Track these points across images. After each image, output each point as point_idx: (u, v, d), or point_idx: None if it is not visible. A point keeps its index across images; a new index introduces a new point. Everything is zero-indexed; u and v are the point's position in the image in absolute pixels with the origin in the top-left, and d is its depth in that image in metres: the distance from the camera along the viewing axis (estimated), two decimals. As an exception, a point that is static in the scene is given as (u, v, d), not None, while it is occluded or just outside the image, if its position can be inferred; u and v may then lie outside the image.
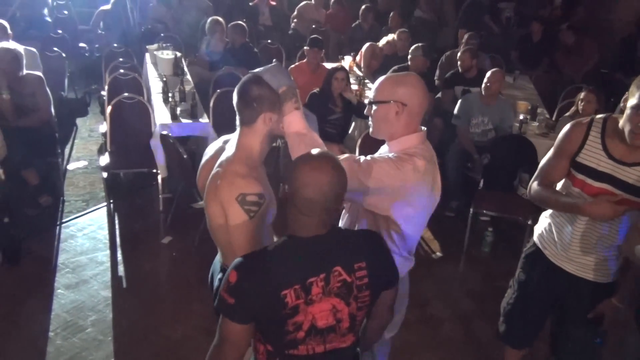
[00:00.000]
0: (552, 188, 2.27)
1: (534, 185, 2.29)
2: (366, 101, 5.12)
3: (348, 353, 1.70)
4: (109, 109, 4.58)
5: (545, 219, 2.40)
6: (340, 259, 1.56)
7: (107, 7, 7.52)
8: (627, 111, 1.99)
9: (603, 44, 7.07)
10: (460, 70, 5.42)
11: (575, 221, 2.21)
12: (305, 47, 5.44)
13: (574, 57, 6.85)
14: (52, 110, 4.54)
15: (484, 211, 4.28)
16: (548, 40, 7.18)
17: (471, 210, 4.21)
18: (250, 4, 8.26)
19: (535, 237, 2.44)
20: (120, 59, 5.73)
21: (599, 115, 2.19)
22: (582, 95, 4.49)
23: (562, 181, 2.28)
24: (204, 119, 4.67)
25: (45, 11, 7.55)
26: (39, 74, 4.48)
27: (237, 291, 1.50)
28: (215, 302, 1.56)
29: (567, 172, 2.22)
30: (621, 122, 2.04)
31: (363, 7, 7.74)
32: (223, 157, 1.90)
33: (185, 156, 3.96)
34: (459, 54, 5.52)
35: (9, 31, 4.94)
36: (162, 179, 4.52)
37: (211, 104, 4.90)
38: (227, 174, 1.82)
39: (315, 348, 1.61)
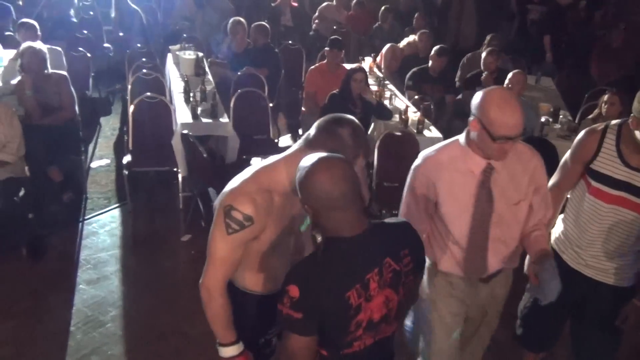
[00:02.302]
0: (563, 192, 2.32)
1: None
2: (386, 102, 5.18)
3: (391, 339, 1.74)
4: (131, 108, 4.65)
5: (562, 223, 2.38)
6: (388, 250, 1.59)
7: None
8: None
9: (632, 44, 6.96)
10: (483, 71, 5.39)
11: (593, 230, 2.19)
12: (325, 48, 5.45)
13: (612, 61, 6.74)
14: (77, 108, 4.63)
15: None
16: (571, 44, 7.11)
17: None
18: (272, 4, 8.30)
19: (552, 241, 2.42)
20: (143, 59, 5.81)
21: (613, 122, 2.16)
22: (605, 97, 4.41)
23: (579, 186, 2.25)
24: (224, 119, 4.71)
25: (72, 12, 7.69)
26: (64, 73, 4.57)
27: (303, 304, 1.48)
28: (280, 321, 1.54)
29: (583, 178, 2.19)
30: (637, 132, 2.01)
31: (382, 8, 7.73)
32: (261, 163, 1.83)
33: (205, 155, 4.00)
34: (483, 56, 5.49)
35: (39, 32, 5.05)
36: (183, 178, 4.57)
37: (232, 104, 4.94)
38: (237, 180, 1.76)
39: (367, 341, 1.62)
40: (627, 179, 2.07)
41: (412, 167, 2.15)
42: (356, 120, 1.77)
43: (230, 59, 5.94)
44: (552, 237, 2.42)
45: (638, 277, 2.24)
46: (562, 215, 2.39)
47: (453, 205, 2.07)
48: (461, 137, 2.07)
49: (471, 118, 1.94)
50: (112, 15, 7.53)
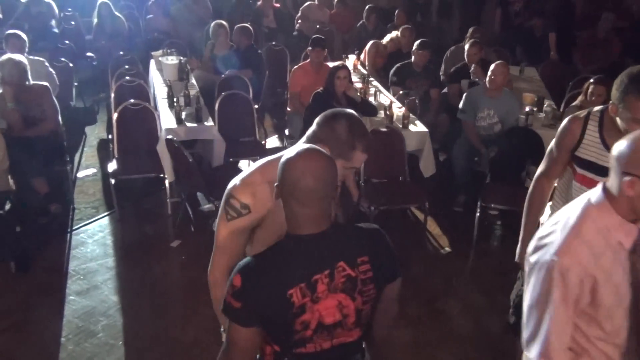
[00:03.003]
0: (539, 199, 2.33)
1: (533, 181, 2.30)
2: (370, 98, 5.18)
3: (354, 347, 1.70)
4: (115, 115, 4.63)
5: (550, 211, 2.38)
6: (343, 254, 1.55)
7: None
8: (623, 123, 1.99)
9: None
10: (467, 63, 5.42)
11: None
12: (308, 48, 5.45)
13: (597, 51, 6.78)
14: (60, 119, 4.59)
15: (492, 205, 4.25)
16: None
17: (479, 204, 4.19)
18: (256, 4, 8.30)
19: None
20: (126, 66, 5.79)
21: (595, 108, 2.17)
22: (591, 87, 4.39)
23: (566, 174, 2.26)
24: (209, 122, 4.70)
25: (53, 22, 7.64)
26: (45, 83, 4.54)
27: (242, 295, 1.49)
28: (221, 308, 1.55)
29: (570, 165, 2.20)
30: (618, 119, 2.03)
31: (367, 7, 7.74)
32: (270, 156, 1.84)
33: (190, 160, 3.99)
34: (466, 48, 5.51)
35: (27, 43, 5.04)
36: (170, 184, 4.55)
37: (216, 107, 4.92)
38: (246, 171, 1.82)
39: (323, 344, 1.61)
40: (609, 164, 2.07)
41: (545, 268, 1.52)
42: (354, 114, 1.78)
43: (213, 62, 5.93)
44: (542, 223, 2.43)
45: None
46: (550, 203, 2.40)
47: (611, 296, 1.53)
48: (593, 196, 1.57)
49: (627, 178, 1.48)
50: (94, 22, 7.50)
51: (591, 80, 4.34)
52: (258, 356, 1.68)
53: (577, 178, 2.17)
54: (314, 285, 1.51)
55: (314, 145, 1.61)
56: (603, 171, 2.08)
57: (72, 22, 7.97)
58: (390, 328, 1.93)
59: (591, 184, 2.12)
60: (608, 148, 2.08)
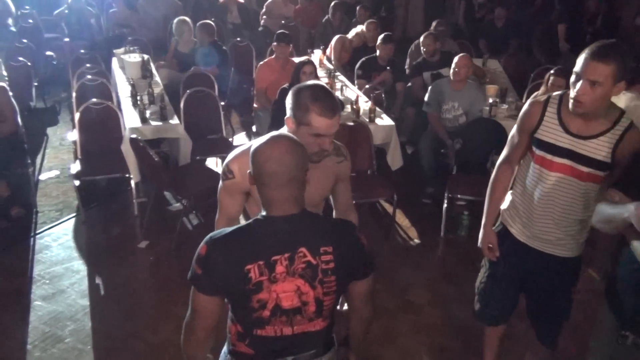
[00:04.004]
0: (501, 184, 2.40)
1: (496, 167, 2.34)
2: (337, 93, 5.19)
3: (319, 338, 1.72)
4: (77, 115, 4.53)
5: (511, 196, 2.44)
6: (306, 241, 1.59)
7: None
8: (571, 78, 2.04)
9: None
10: (425, 55, 5.49)
11: (539, 200, 2.25)
12: (273, 43, 5.43)
13: (554, 41, 6.93)
14: (19, 120, 4.47)
15: (459, 195, 4.31)
16: (514, 25, 7.28)
17: (446, 195, 4.24)
18: (220, 0, 8.22)
19: (501, 216, 2.48)
20: (88, 65, 5.66)
21: (555, 93, 2.23)
22: (551, 78, 4.47)
23: (525, 158, 2.32)
24: (175, 120, 4.64)
25: (10, 21, 7.43)
26: (2, 84, 4.40)
27: (205, 263, 1.57)
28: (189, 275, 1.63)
29: (529, 148, 2.26)
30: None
31: (332, 4, 7.73)
32: None
33: (156, 159, 3.93)
34: (421, 39, 5.59)
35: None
36: (136, 184, 4.48)
37: (182, 104, 4.86)
38: (244, 145, 1.99)
39: (283, 329, 1.64)
40: (569, 145, 2.14)
41: None
42: (317, 83, 1.90)
43: (178, 59, 5.85)
44: (502, 212, 2.48)
45: (582, 248, 2.31)
46: (511, 191, 2.45)
47: None
48: None
49: None
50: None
51: (551, 72, 4.42)
52: (227, 337, 1.74)
53: (536, 160, 2.23)
54: (273, 266, 1.56)
55: (283, 132, 1.72)
56: (561, 152, 2.15)
57: (30, 20, 7.76)
58: (366, 332, 1.93)
59: (549, 165, 2.19)
60: (566, 129, 2.15)
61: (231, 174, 1.95)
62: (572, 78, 2.04)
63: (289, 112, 1.87)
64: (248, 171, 1.64)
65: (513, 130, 2.34)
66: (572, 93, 2.04)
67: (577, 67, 2.01)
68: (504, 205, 2.47)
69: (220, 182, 2.01)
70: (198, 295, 1.60)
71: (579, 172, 2.14)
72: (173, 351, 3.13)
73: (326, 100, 1.81)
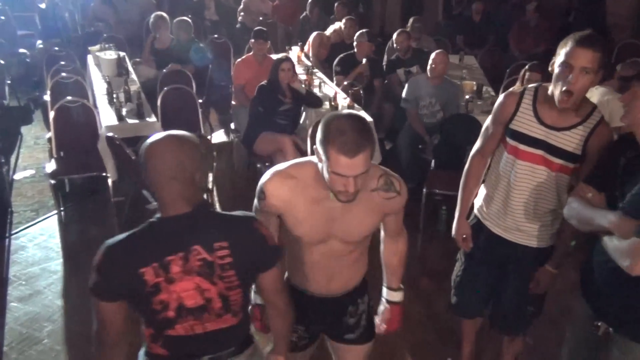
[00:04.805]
0: (474, 176, 2.44)
1: (469, 159, 2.37)
2: (315, 90, 5.20)
3: (234, 334, 1.74)
4: (52, 114, 4.47)
5: (484, 189, 2.47)
6: (199, 238, 1.59)
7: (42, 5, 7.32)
8: (556, 70, 2.06)
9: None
10: (398, 53, 5.54)
11: (512, 190, 2.29)
12: (251, 40, 5.41)
13: (530, 37, 7.00)
14: (-9, 119, 4.40)
15: (437, 190, 4.35)
16: (490, 20, 7.36)
17: (424, 190, 4.28)
18: (195, -1, 8.17)
19: (475, 210, 2.52)
20: (62, 62, 5.58)
21: (531, 85, 2.27)
22: (527, 74, 4.53)
23: (498, 149, 2.35)
24: (152, 118, 4.60)
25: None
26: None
27: (102, 270, 1.56)
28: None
29: (502, 140, 2.30)
30: (551, 87, 2.12)
31: (310, 0, 7.73)
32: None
33: (133, 157, 3.89)
34: (394, 37, 5.64)
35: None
36: (113, 182, 4.43)
37: (159, 102, 4.82)
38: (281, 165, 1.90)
39: (194, 328, 1.65)
40: (543, 137, 2.18)
41: None
42: (349, 114, 1.69)
43: (154, 57, 5.79)
44: (476, 206, 2.52)
45: (555, 238, 2.36)
46: (484, 185, 2.48)
47: None
48: None
49: None
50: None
51: (526, 67, 4.48)
52: (143, 340, 1.73)
53: (510, 150, 2.26)
54: (168, 266, 1.57)
55: (177, 131, 1.63)
56: (535, 142, 2.20)
57: (2, 17, 7.62)
58: (289, 328, 1.93)
59: (522, 156, 2.23)
60: (540, 121, 2.19)
61: (263, 194, 1.83)
62: (559, 69, 2.04)
63: (317, 140, 1.68)
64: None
65: (487, 122, 2.37)
66: (562, 86, 2.04)
67: (566, 57, 2.02)
68: (478, 199, 2.50)
69: (255, 200, 1.91)
70: (100, 304, 1.59)
71: (550, 162, 2.19)
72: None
73: (350, 136, 1.59)
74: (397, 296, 2.13)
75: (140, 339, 1.74)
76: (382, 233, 2.10)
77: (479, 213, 2.49)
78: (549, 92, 2.14)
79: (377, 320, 2.17)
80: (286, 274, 2.04)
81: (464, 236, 2.50)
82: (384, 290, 2.16)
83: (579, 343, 2.19)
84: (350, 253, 1.94)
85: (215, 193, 4.90)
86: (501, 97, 2.32)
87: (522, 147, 2.22)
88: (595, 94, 4.10)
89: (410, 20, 6.39)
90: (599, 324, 2.03)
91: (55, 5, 7.41)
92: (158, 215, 1.61)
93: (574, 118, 2.15)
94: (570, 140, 2.15)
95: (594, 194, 1.98)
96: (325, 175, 1.68)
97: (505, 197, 2.32)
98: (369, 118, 4.78)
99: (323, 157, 1.65)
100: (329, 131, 1.62)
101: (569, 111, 2.13)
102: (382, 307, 2.17)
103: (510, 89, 2.36)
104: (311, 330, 2.09)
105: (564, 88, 2.04)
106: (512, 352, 2.78)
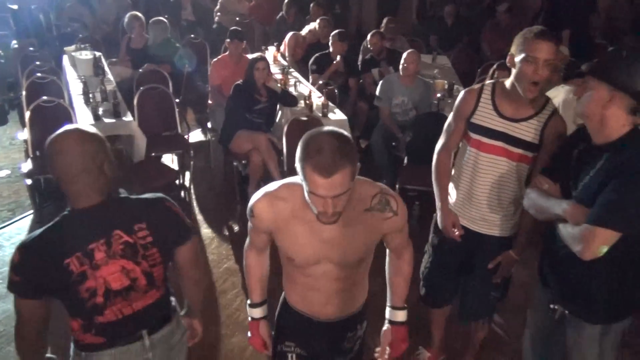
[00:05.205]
0: (444, 170, 2.52)
1: (435, 155, 2.48)
2: (290, 89, 5.28)
3: (161, 306, 1.86)
4: (27, 114, 4.47)
5: (450, 185, 2.58)
6: (118, 223, 1.69)
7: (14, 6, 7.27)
8: (518, 65, 2.18)
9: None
10: (372, 53, 5.67)
11: (476, 182, 2.40)
12: (226, 40, 5.47)
13: (501, 37, 7.17)
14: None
15: (410, 186, 4.47)
16: (463, 22, 7.52)
17: (397, 186, 4.39)
18: (172, -1, 8.17)
19: (441, 203, 2.62)
20: (37, 63, 5.57)
21: (488, 81, 2.40)
22: (496, 73, 4.67)
23: (462, 144, 2.47)
24: (128, 117, 4.63)
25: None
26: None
27: (21, 269, 1.60)
28: (6, 284, 1.66)
29: (465, 134, 2.41)
30: (509, 81, 2.25)
31: (286, 1, 7.80)
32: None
33: (110, 156, 3.93)
34: (368, 38, 5.76)
35: None
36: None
37: (135, 101, 4.85)
38: (270, 186, 1.84)
39: (123, 310, 1.74)
40: (502, 129, 2.31)
41: None
42: (329, 131, 1.61)
43: (130, 57, 5.82)
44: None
45: (516, 227, 2.48)
46: (451, 179, 2.59)
47: None
48: None
49: None
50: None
51: (495, 67, 4.62)
52: (72, 335, 1.80)
53: (472, 144, 2.38)
54: (91, 254, 1.65)
55: (78, 124, 1.78)
56: (496, 135, 2.32)
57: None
58: (201, 296, 2.10)
59: (484, 148, 2.35)
60: (499, 113, 2.32)
61: (252, 213, 1.80)
62: (523, 64, 2.16)
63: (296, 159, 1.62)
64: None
65: (449, 119, 2.48)
66: (529, 78, 2.16)
67: (527, 51, 2.13)
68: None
69: (248, 217, 1.87)
70: (21, 301, 1.64)
71: (510, 153, 2.31)
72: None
73: (327, 154, 1.52)
74: (401, 315, 2.02)
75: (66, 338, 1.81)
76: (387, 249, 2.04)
77: None
78: (507, 86, 2.26)
79: (381, 345, 2.04)
80: (283, 293, 2.03)
81: (453, 223, 2.49)
82: (388, 311, 2.05)
83: (538, 325, 2.32)
84: (346, 277, 1.86)
85: (192, 191, 4.95)
86: (462, 93, 2.44)
87: (484, 139, 2.34)
88: (561, 92, 4.25)
89: (384, 20, 6.52)
90: (556, 307, 2.16)
91: (29, 6, 7.35)
92: (69, 208, 1.66)
93: (529, 110, 2.28)
94: (528, 130, 2.28)
95: (549, 185, 2.10)
96: (306, 195, 1.64)
97: (470, 189, 2.44)
98: (343, 116, 4.90)
99: (301, 177, 1.60)
100: (306, 149, 1.56)
101: (525, 103, 2.26)
102: (385, 328, 2.04)
103: (470, 87, 2.48)
104: (311, 352, 2.02)
105: (531, 80, 2.16)
106: (479, 337, 2.90)
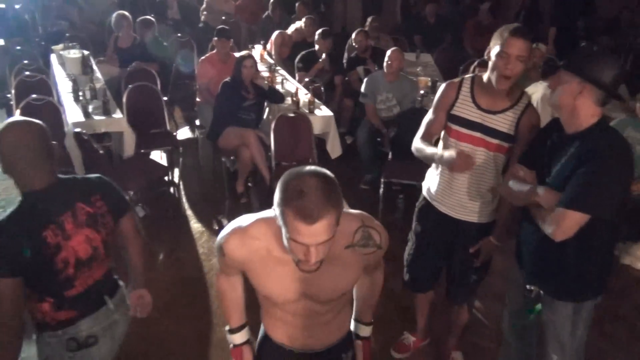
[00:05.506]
0: (427, 140, 2.58)
1: (415, 139, 2.60)
2: (278, 86, 5.39)
3: (111, 273, 2.12)
4: (17, 112, 4.51)
5: (431, 173, 2.70)
6: (78, 197, 1.91)
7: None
8: (493, 59, 2.32)
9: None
10: (357, 51, 5.79)
11: (456, 173, 2.52)
12: (214, 38, 5.56)
13: (483, 35, 7.33)
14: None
15: (394, 180, 4.59)
16: (445, 21, 7.68)
17: (382, 180, 4.52)
18: (158, -1, 8.22)
19: (424, 191, 2.74)
20: (25, 62, 5.60)
21: (467, 75, 2.52)
22: (476, 70, 4.80)
23: (443, 134, 2.59)
24: (118, 115, 4.70)
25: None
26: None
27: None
28: None
29: (445, 126, 2.53)
30: (486, 74, 2.38)
31: (272, 0, 7.90)
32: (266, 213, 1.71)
33: (101, 152, 4.00)
34: (353, 36, 5.89)
35: None
36: (80, 178, 4.52)
37: (124, 99, 4.92)
38: (242, 221, 1.70)
39: (88, 281, 1.95)
40: (480, 120, 2.44)
41: None
42: (312, 172, 1.46)
43: (118, 55, 5.88)
44: (424, 188, 2.75)
45: (495, 214, 2.60)
46: (431, 168, 2.71)
47: None
48: None
49: None
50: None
51: (475, 63, 4.77)
52: (40, 321, 1.92)
53: (452, 134, 2.50)
54: (62, 225, 1.83)
55: (18, 117, 1.99)
56: (473, 125, 2.44)
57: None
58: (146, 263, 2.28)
59: (463, 138, 2.47)
60: (477, 105, 2.45)
61: (222, 252, 1.70)
62: (496, 58, 2.30)
63: (274, 201, 1.48)
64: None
65: (429, 112, 2.60)
66: (501, 71, 2.29)
67: (502, 46, 2.28)
68: (425, 181, 2.73)
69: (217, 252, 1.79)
70: (0, 281, 1.73)
71: (488, 143, 2.44)
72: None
73: (311, 198, 1.39)
74: (368, 330, 1.99)
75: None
76: None
77: (426, 194, 2.72)
78: (485, 79, 2.39)
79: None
80: (262, 326, 1.94)
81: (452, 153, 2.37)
82: (354, 325, 1.98)
83: (515, 304, 2.45)
84: (328, 311, 1.76)
85: (182, 187, 5.03)
86: (443, 86, 2.56)
87: (463, 130, 2.46)
88: (540, 88, 4.41)
89: (369, 19, 6.65)
90: (531, 287, 2.29)
91: (13, 5, 7.36)
92: (26, 190, 1.81)
93: (506, 102, 2.41)
94: (504, 121, 2.41)
95: (525, 172, 2.23)
96: (284, 241, 1.50)
97: (450, 178, 2.56)
98: (329, 112, 5.01)
99: (280, 221, 1.46)
100: (286, 192, 1.43)
101: (502, 96, 2.39)
102: (355, 344, 1.97)
103: (450, 80, 2.60)
104: None
105: (502, 73, 2.30)
106: (460, 321, 3.02)
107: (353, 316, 1.99)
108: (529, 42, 2.29)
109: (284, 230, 1.47)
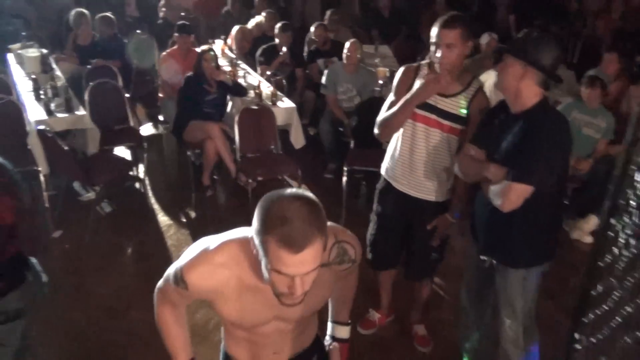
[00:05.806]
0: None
1: (377, 120, 2.73)
2: (240, 80, 5.46)
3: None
4: (-24, 112, 4.47)
5: (388, 155, 2.85)
6: None
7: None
8: (431, 48, 2.50)
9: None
10: (317, 44, 5.92)
11: (413, 151, 2.67)
12: (174, 34, 5.59)
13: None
14: None
15: (356, 167, 4.74)
16: (400, 14, 7.88)
17: (345, 168, 4.66)
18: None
19: (383, 172, 2.89)
20: (-19, 62, 5.53)
21: (424, 61, 2.68)
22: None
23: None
24: (81, 112, 4.70)
25: None
26: None
27: None
28: None
29: None
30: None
31: None
32: (230, 234, 1.56)
33: (66, 148, 4.02)
34: (312, 29, 6.02)
35: None
36: (45, 176, 4.51)
37: (86, 96, 4.92)
38: (203, 247, 1.53)
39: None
40: (434, 103, 2.60)
41: None
42: (293, 195, 1.35)
43: (77, 53, 5.85)
44: (383, 169, 2.89)
45: (451, 192, 2.77)
46: (388, 150, 2.86)
47: None
48: None
49: None
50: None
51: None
52: None
53: (418, 119, 2.64)
54: None
55: None
56: (429, 108, 2.60)
57: None
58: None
59: (419, 119, 2.63)
60: None
61: (184, 284, 1.50)
62: (432, 48, 2.49)
63: (252, 227, 1.36)
64: None
65: (389, 96, 2.74)
66: (435, 59, 2.49)
67: (434, 37, 2.47)
68: (384, 163, 2.88)
69: (170, 281, 1.56)
70: None
71: (442, 125, 2.61)
72: (91, 335, 3.29)
73: (296, 225, 1.27)
74: (346, 331, 1.91)
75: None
76: None
77: (386, 175, 2.86)
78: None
79: None
80: (222, 346, 1.80)
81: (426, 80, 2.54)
82: (331, 327, 1.91)
83: (471, 275, 2.63)
84: (296, 328, 1.68)
85: (147, 182, 5.06)
86: (401, 69, 2.73)
87: (419, 112, 2.62)
88: (492, 76, 4.61)
89: (328, 13, 6.78)
90: (485, 258, 2.47)
91: None
92: None
93: (457, 87, 2.59)
94: (456, 105, 2.58)
95: (476, 151, 2.40)
96: (264, 273, 1.37)
97: (409, 158, 2.71)
98: (291, 104, 5.12)
99: (260, 251, 1.33)
100: (267, 218, 1.30)
101: (453, 81, 2.54)
102: (332, 347, 1.87)
103: (407, 65, 2.75)
104: None
105: (437, 61, 2.49)
106: (422, 297, 3.20)
107: (330, 318, 1.91)
108: (458, 30, 2.45)
109: (264, 261, 1.34)
